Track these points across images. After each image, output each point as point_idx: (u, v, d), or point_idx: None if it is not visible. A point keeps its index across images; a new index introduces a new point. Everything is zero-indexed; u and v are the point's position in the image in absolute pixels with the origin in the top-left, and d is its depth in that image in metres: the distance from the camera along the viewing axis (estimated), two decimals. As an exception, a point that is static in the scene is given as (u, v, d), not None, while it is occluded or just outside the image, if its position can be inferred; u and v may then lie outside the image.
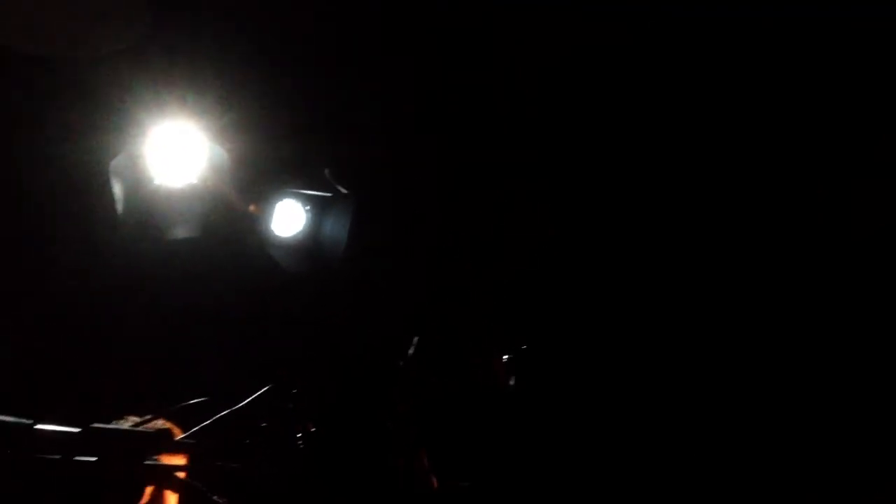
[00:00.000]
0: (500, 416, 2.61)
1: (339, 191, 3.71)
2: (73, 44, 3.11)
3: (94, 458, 2.03)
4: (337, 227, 3.71)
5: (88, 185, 3.35)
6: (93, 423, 2.11)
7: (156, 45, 3.16)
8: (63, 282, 3.51)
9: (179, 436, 2.24)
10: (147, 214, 3.49)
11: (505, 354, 2.61)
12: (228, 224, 3.58)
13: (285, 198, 3.74)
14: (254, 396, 2.36)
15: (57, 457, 2.05)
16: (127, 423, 2.46)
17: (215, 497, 2.22)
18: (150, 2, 3.10)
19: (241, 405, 2.34)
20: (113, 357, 3.54)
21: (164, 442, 2.16)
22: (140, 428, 2.39)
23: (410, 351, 2.58)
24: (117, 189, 3.39)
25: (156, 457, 2.14)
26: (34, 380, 3.17)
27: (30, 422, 1.89)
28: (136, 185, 3.44)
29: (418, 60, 3.51)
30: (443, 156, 3.80)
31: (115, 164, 3.35)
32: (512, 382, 2.58)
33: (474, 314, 3.46)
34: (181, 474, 2.21)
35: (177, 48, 3.22)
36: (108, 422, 2.05)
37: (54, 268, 3.50)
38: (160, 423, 2.52)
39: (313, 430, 2.36)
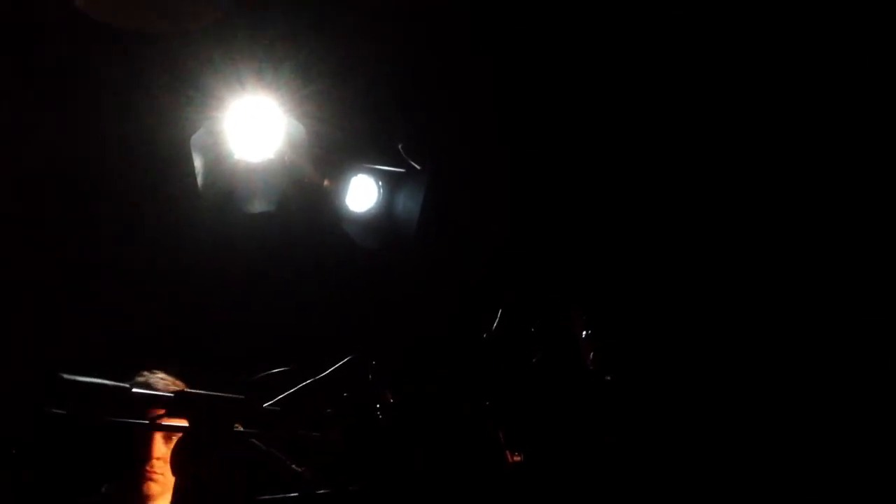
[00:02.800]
0: (581, 393, 2.62)
1: (412, 166, 3.73)
2: (158, 19, 3.18)
3: (184, 424, 2.12)
4: (410, 203, 3.73)
5: (170, 159, 3.43)
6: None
7: (238, 20, 3.21)
8: (145, 254, 3.62)
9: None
10: (227, 188, 3.57)
11: (587, 330, 2.61)
12: (304, 199, 3.64)
13: (359, 173, 3.77)
14: (335, 367, 2.40)
15: (146, 422, 2.15)
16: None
17: (294, 465, 2.28)
18: (233, -22, 3.15)
19: (322, 375, 2.39)
20: (192, 329, 3.64)
21: (250, 408, 2.22)
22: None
23: (495, 324, 2.59)
24: (198, 163, 3.46)
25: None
26: (122, 348, 3.28)
27: (126, 385, 1.96)
28: (217, 160, 3.52)
29: (499, 37, 3.51)
30: (517, 131, 3.79)
31: (196, 138, 3.42)
32: (592, 361, 2.58)
33: (556, 288, 3.46)
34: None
35: (257, 24, 3.27)
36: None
37: (137, 240, 3.61)
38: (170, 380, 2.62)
39: (392, 401, 2.40)
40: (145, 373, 2.57)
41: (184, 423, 2.12)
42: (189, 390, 2.05)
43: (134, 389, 1.96)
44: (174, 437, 2.46)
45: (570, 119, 3.81)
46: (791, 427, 3.57)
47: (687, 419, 3.57)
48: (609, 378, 2.73)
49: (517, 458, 2.46)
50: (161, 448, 2.54)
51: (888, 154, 3.60)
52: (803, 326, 3.67)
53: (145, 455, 2.53)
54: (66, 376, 1.89)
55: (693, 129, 3.74)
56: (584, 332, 2.63)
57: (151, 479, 2.52)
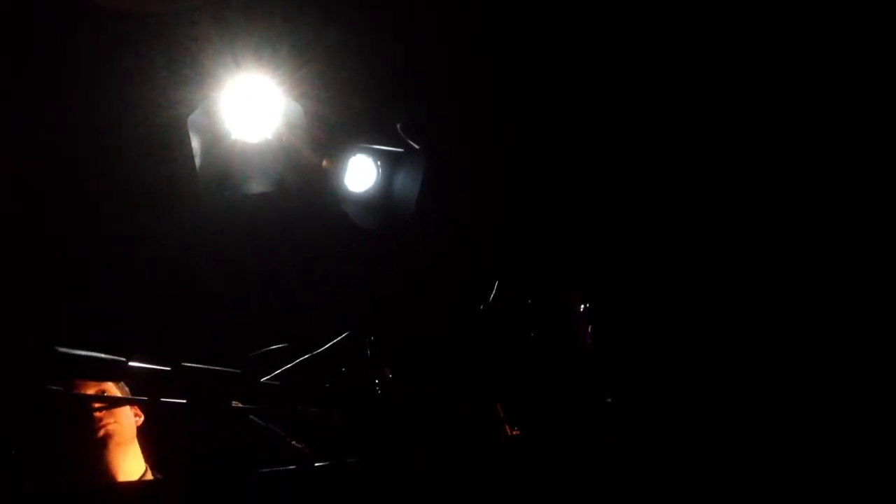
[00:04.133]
0: (577, 369, 2.61)
1: (410, 146, 3.72)
2: (153, -1, 3.17)
3: (183, 400, 2.11)
4: (408, 183, 3.72)
5: (167, 139, 3.42)
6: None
7: (234, -1, 3.20)
8: (142, 234, 3.62)
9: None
10: (224, 169, 3.56)
11: (584, 304, 2.61)
12: (302, 179, 3.63)
13: (357, 153, 3.76)
14: (333, 342, 2.40)
15: (144, 398, 2.14)
16: None
17: (294, 441, 2.28)
18: (228, -44, 3.14)
19: (320, 350, 2.39)
20: (189, 308, 3.64)
21: (248, 383, 2.22)
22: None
23: (490, 296, 2.59)
24: (195, 143, 3.45)
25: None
26: (118, 326, 3.28)
27: (123, 359, 1.95)
28: (214, 140, 3.51)
29: (500, 16, 3.50)
30: (515, 112, 3.78)
31: (193, 118, 3.41)
32: (590, 337, 2.58)
33: (549, 266, 3.46)
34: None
35: (254, 3, 3.26)
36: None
37: (133, 220, 3.60)
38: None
39: (390, 376, 2.40)
40: None
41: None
42: (186, 364, 2.04)
43: (130, 363, 1.95)
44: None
45: (572, 101, 3.80)
46: (791, 427, 3.57)
47: (687, 419, 3.57)
48: (609, 381, 2.73)
49: (515, 433, 2.45)
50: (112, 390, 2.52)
51: (888, 154, 3.60)
52: (803, 326, 3.68)
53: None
54: (61, 350, 1.88)
55: (694, 128, 3.74)
56: (582, 307, 2.62)
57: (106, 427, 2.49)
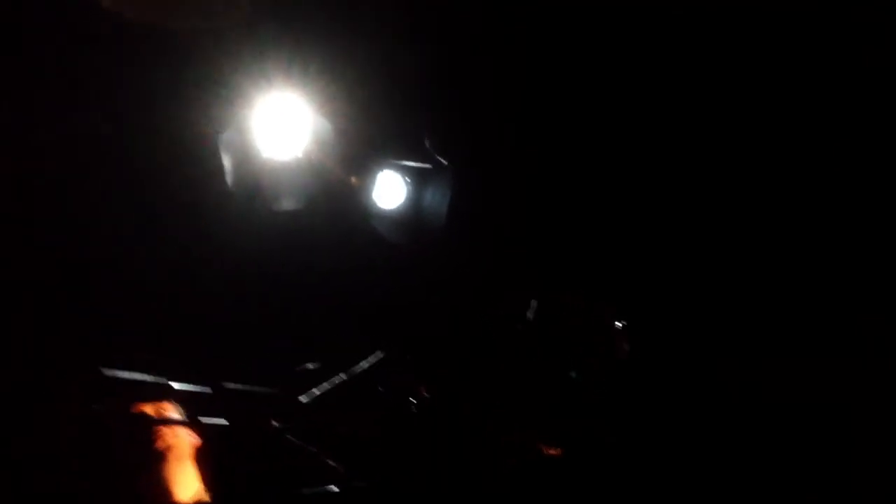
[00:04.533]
0: (615, 385, 2.61)
1: (439, 162, 3.74)
2: (184, 16, 3.20)
3: (223, 420, 2.14)
4: (437, 199, 3.74)
5: (198, 158, 3.45)
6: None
7: (264, 17, 3.23)
8: (173, 253, 3.64)
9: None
10: (255, 187, 3.58)
11: (620, 321, 2.61)
12: (332, 196, 3.65)
13: (386, 169, 3.78)
14: (368, 362, 2.41)
15: (185, 419, 2.16)
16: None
17: (329, 460, 2.29)
18: (260, -25, 3.17)
19: (356, 371, 2.41)
20: (222, 326, 3.66)
21: (286, 403, 2.24)
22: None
23: (529, 315, 2.59)
24: (226, 162, 3.48)
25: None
26: (152, 347, 3.30)
27: (166, 381, 1.98)
28: (245, 158, 3.54)
29: (527, 32, 3.51)
30: (545, 126, 3.79)
31: (225, 137, 3.44)
32: (627, 351, 2.58)
33: (588, 280, 3.46)
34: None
35: (285, 22, 3.28)
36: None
37: (166, 239, 3.62)
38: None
39: (426, 395, 2.41)
40: None
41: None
42: (227, 385, 2.06)
43: (173, 384, 1.98)
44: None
45: (602, 115, 3.81)
46: (791, 427, 3.56)
47: (687, 419, 3.56)
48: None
49: (552, 452, 2.46)
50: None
51: (888, 154, 3.59)
52: (803, 326, 3.66)
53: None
54: (106, 372, 1.91)
55: (696, 129, 3.74)
56: (617, 324, 2.62)
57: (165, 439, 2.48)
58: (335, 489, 2.17)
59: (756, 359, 3.66)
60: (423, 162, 3.78)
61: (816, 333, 3.64)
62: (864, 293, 3.64)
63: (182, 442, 2.57)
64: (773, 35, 3.46)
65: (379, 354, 2.42)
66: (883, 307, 3.60)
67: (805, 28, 3.38)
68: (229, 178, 3.50)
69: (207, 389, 2.04)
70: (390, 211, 3.80)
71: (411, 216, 3.80)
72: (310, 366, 2.41)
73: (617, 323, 2.61)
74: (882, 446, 3.44)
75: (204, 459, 2.42)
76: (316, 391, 2.28)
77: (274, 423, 2.17)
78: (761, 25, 3.43)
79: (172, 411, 2.50)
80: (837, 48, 3.43)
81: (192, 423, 2.11)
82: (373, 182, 3.75)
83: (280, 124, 3.50)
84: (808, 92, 3.55)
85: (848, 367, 3.55)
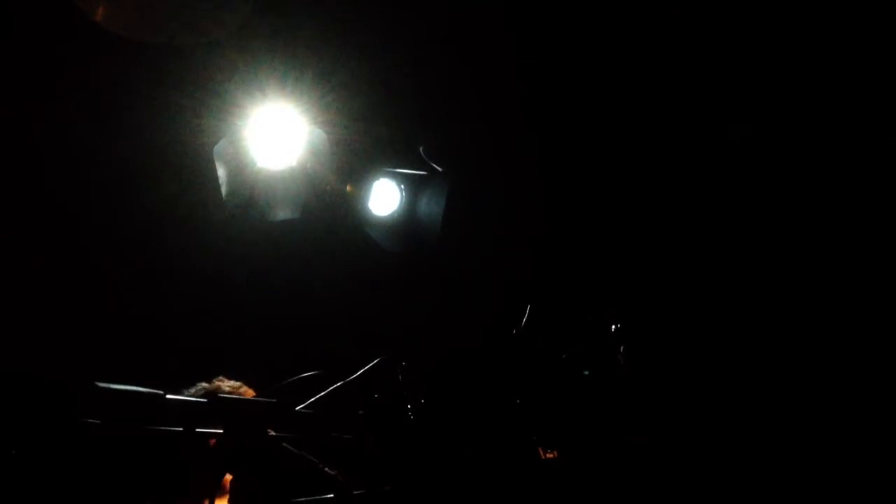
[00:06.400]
0: (614, 388, 2.61)
1: (434, 169, 3.74)
2: (178, 30, 3.21)
3: (219, 430, 2.12)
4: (432, 206, 3.74)
5: (193, 169, 3.46)
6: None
7: (258, 29, 3.23)
8: (169, 262, 3.65)
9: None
10: (249, 196, 3.59)
11: (616, 325, 2.60)
12: (327, 205, 3.65)
13: (381, 177, 3.79)
14: (365, 369, 2.41)
15: (180, 429, 2.15)
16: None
17: (327, 468, 2.28)
18: (252, -13, 3.18)
19: (353, 377, 2.40)
20: (218, 335, 3.66)
21: (283, 412, 2.23)
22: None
23: (523, 319, 2.59)
24: (221, 172, 3.49)
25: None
26: (149, 357, 3.30)
27: (161, 392, 1.97)
28: (239, 168, 3.54)
29: (521, 41, 3.52)
30: (537, 133, 3.80)
31: (219, 147, 3.45)
32: (622, 357, 2.57)
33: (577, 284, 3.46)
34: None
35: (278, 33, 3.29)
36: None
37: (160, 248, 3.63)
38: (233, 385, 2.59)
39: (423, 401, 2.40)
40: (215, 381, 2.56)
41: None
42: (222, 395, 2.06)
43: (168, 396, 1.97)
44: None
45: (595, 120, 3.82)
46: (791, 427, 3.55)
47: (692, 420, 3.56)
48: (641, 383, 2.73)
49: (550, 456, 2.45)
50: None
51: (888, 154, 3.60)
52: (803, 326, 3.66)
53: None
54: (100, 384, 1.90)
55: (712, 137, 3.75)
56: (615, 327, 2.62)
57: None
58: (332, 497, 2.16)
59: (760, 359, 3.66)
60: (417, 169, 3.79)
61: (816, 333, 3.63)
62: (864, 293, 3.64)
63: (177, 453, 2.56)
64: (776, 35, 3.46)
65: (375, 361, 2.41)
66: (883, 307, 3.59)
67: (805, 28, 3.38)
68: (224, 189, 3.50)
69: (202, 399, 2.03)
70: (385, 218, 3.81)
71: (407, 223, 3.80)
72: (307, 375, 2.39)
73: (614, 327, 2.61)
74: (882, 446, 3.43)
75: (200, 470, 2.42)
76: (312, 399, 2.26)
77: (271, 431, 2.15)
78: (778, 30, 3.44)
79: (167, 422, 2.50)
80: (837, 48, 3.43)
81: (187, 433, 2.10)
82: (368, 190, 3.76)
83: (274, 134, 3.51)
84: (813, 94, 3.55)
85: (848, 367, 3.55)
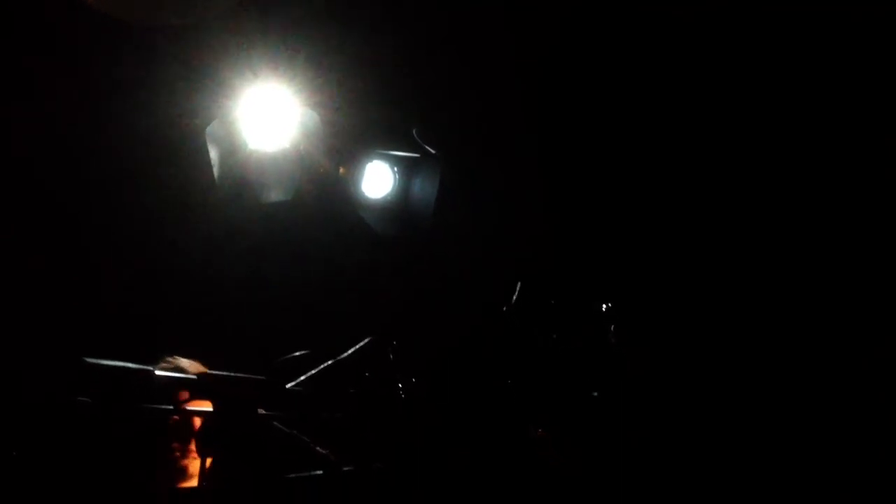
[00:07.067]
0: (598, 365, 2.61)
1: (427, 151, 3.73)
2: (169, 11, 3.19)
3: (209, 409, 2.13)
4: (425, 188, 3.73)
5: (185, 150, 3.45)
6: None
7: (250, 10, 3.22)
8: (161, 244, 3.64)
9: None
10: (242, 178, 3.58)
11: (606, 304, 2.61)
12: (319, 187, 3.64)
13: (374, 159, 3.77)
14: (356, 347, 2.41)
15: (170, 407, 2.15)
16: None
17: (318, 447, 2.29)
18: (243, -33, 3.16)
19: (343, 356, 2.40)
20: (209, 316, 3.66)
21: (273, 390, 2.23)
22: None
23: (513, 298, 2.59)
24: (213, 154, 3.48)
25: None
26: (139, 334, 3.30)
27: (150, 368, 1.97)
28: (232, 150, 3.53)
29: (514, 22, 3.51)
30: (531, 114, 3.79)
31: (211, 129, 3.43)
32: (613, 336, 2.58)
33: (571, 267, 3.46)
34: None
35: (270, 13, 3.28)
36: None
37: (153, 231, 3.63)
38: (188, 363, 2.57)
39: (413, 380, 2.41)
40: (169, 358, 2.54)
41: (208, 406, 2.14)
42: (212, 372, 2.06)
43: (157, 372, 1.97)
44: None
45: (589, 103, 3.81)
46: (791, 426, 3.56)
47: (692, 419, 3.57)
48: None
49: (541, 433, 2.46)
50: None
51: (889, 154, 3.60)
52: (803, 326, 3.66)
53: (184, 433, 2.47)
54: (89, 360, 1.90)
55: (709, 132, 3.75)
56: (605, 306, 2.62)
57: (190, 457, 2.46)
58: (322, 473, 2.16)
59: (760, 358, 3.67)
60: (411, 151, 3.78)
61: (817, 333, 3.64)
62: (865, 294, 3.64)
63: (167, 430, 2.56)
64: (779, 35, 3.46)
65: (366, 341, 2.41)
66: (883, 307, 3.60)
67: (805, 28, 3.39)
68: (216, 170, 3.49)
69: (192, 377, 2.03)
70: (378, 200, 3.80)
71: (400, 205, 3.79)
72: (298, 354, 2.39)
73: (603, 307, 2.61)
74: (882, 446, 3.44)
75: (190, 447, 2.42)
76: (303, 378, 2.26)
77: (261, 410, 2.16)
78: (761, 26, 3.44)
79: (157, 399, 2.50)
80: (837, 48, 3.43)
81: (176, 411, 2.10)
82: (361, 172, 3.75)
83: (267, 116, 3.50)
84: (819, 96, 3.55)
85: (848, 367, 3.56)
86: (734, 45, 3.54)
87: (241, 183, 3.59)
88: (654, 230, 3.84)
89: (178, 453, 2.44)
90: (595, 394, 2.69)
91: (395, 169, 3.80)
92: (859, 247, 3.65)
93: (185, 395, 2.08)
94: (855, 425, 3.49)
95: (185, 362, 2.55)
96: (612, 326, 2.56)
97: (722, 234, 3.81)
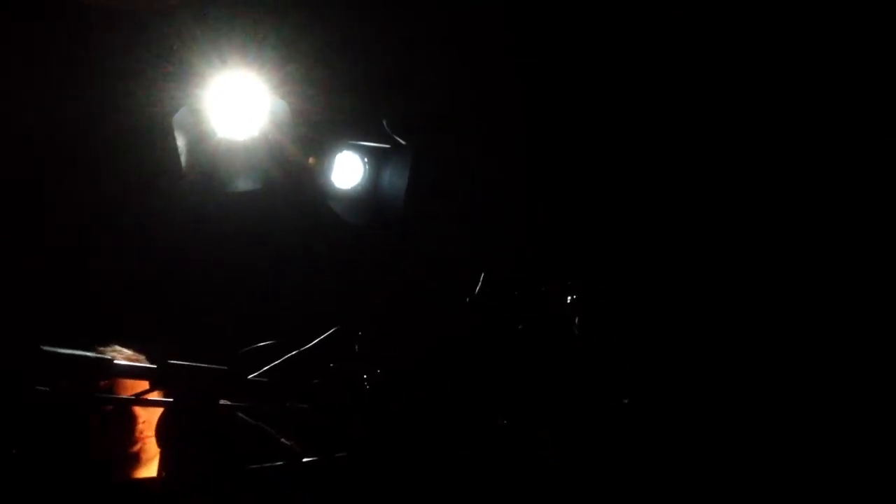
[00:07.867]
0: (565, 359, 2.61)
1: (397, 142, 3.71)
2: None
3: (168, 399, 2.10)
4: (395, 178, 3.72)
5: (152, 138, 3.41)
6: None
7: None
8: (127, 233, 3.60)
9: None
10: (209, 167, 3.54)
11: (572, 296, 2.60)
12: (288, 177, 3.62)
13: (344, 150, 3.75)
14: (321, 338, 2.39)
15: (130, 397, 2.12)
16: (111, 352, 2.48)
17: (283, 439, 2.27)
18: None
19: (308, 346, 2.38)
20: (175, 305, 3.63)
21: (235, 380, 2.21)
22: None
23: (477, 287, 2.59)
24: (180, 142, 3.44)
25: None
26: (103, 323, 3.26)
27: (109, 358, 1.94)
28: (199, 138, 3.49)
29: (488, 11, 3.50)
30: (501, 104, 3.78)
31: (179, 117, 3.40)
32: (577, 328, 2.57)
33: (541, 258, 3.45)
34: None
35: (238, 1, 3.25)
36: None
37: (119, 219, 3.58)
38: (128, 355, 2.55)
39: (379, 371, 2.39)
40: (100, 348, 2.48)
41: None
42: (173, 362, 2.03)
43: (116, 361, 1.94)
44: None
45: (560, 92, 3.80)
46: (791, 426, 3.58)
47: (692, 419, 3.57)
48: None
49: (504, 422, 2.46)
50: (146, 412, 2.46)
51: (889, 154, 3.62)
52: (803, 326, 3.68)
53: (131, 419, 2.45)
54: (46, 348, 1.87)
55: (696, 129, 3.75)
56: (570, 298, 2.62)
57: (143, 442, 2.44)
58: (283, 464, 2.15)
59: (760, 357, 3.68)
60: (381, 142, 3.76)
61: (817, 333, 3.66)
62: (865, 294, 3.66)
63: (127, 421, 2.53)
64: (774, 35, 3.47)
65: (332, 331, 2.40)
66: (884, 307, 3.62)
67: (805, 28, 3.40)
68: (184, 159, 3.46)
69: (152, 366, 2.00)
70: (348, 191, 3.78)
71: (369, 196, 3.78)
72: (263, 344, 2.37)
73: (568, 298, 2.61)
74: (882, 446, 3.46)
75: (149, 438, 2.40)
76: (266, 368, 2.24)
77: (223, 401, 2.13)
78: (773, 28, 3.44)
79: (116, 389, 2.47)
80: (837, 48, 3.45)
81: (136, 401, 2.07)
82: (331, 162, 3.72)
83: (236, 104, 3.46)
84: (817, 95, 3.56)
85: (847, 367, 3.58)
86: (734, 45, 3.55)
87: (209, 172, 3.55)
88: (654, 230, 3.84)
89: (127, 442, 2.42)
90: (594, 394, 2.69)
91: (366, 159, 3.78)
92: (859, 247, 3.66)
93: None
94: (855, 425, 3.51)
95: (124, 353, 2.51)
96: (577, 319, 2.57)
97: (722, 234, 3.82)
